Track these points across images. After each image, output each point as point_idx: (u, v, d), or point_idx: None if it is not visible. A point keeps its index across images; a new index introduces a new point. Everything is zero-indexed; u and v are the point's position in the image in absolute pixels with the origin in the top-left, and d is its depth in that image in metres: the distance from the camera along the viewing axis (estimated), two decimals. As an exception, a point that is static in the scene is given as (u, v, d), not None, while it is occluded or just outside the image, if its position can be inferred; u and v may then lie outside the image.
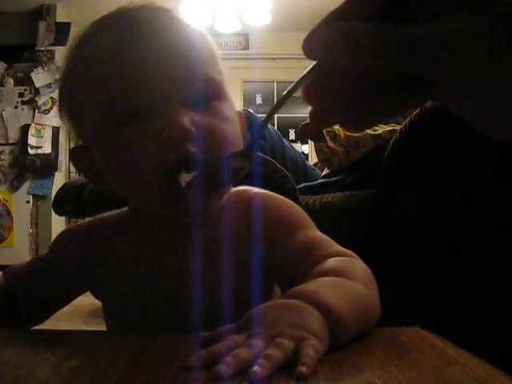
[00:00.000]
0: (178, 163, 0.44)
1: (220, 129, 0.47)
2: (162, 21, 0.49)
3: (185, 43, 0.48)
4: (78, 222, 0.64)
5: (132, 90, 0.46)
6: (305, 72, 0.30)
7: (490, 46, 0.23)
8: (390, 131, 1.38)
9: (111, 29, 0.49)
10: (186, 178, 0.44)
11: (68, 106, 0.53)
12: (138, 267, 0.54)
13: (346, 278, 0.42)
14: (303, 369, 0.29)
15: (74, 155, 0.56)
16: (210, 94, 0.49)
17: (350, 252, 0.48)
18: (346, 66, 0.27)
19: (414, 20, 0.25)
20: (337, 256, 0.47)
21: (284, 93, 0.32)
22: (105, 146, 0.49)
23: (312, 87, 0.30)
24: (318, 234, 0.52)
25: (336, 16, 0.28)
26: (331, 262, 0.45)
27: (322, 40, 0.27)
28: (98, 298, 0.58)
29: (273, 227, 0.51)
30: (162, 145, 0.44)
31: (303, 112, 5.19)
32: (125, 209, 0.59)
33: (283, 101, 0.33)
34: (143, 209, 0.54)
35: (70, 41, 0.53)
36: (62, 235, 0.61)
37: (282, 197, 0.55)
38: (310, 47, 0.28)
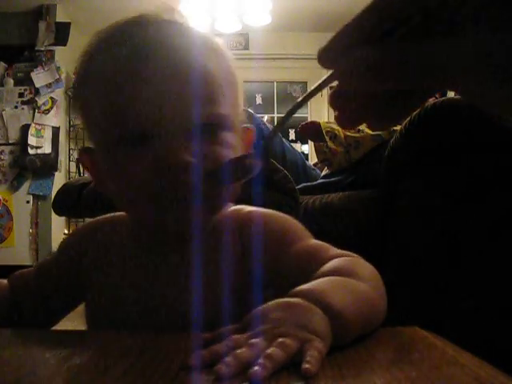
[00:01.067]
0: (182, 195, 0.46)
1: (224, 156, 0.47)
2: (177, 42, 0.48)
3: (201, 73, 0.48)
4: (81, 224, 0.64)
5: (139, 115, 0.46)
6: (319, 82, 0.33)
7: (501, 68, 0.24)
8: (389, 131, 1.38)
9: (124, 46, 0.48)
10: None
11: (81, 106, 0.54)
12: (133, 275, 0.54)
13: (350, 277, 0.42)
14: (309, 366, 0.29)
15: (82, 155, 0.56)
16: (219, 127, 0.49)
17: (351, 253, 0.48)
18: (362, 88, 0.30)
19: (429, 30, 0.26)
20: (340, 257, 0.47)
21: (298, 100, 0.34)
22: (108, 160, 0.50)
23: (335, 96, 0.33)
24: (316, 241, 0.52)
25: (356, 28, 0.29)
26: (334, 262, 0.45)
27: (339, 68, 0.30)
28: (94, 305, 0.57)
29: (270, 243, 0.51)
30: (160, 173, 0.45)
31: (303, 112, 5.19)
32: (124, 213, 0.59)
33: (297, 108, 0.35)
34: (139, 221, 0.55)
35: (91, 38, 0.52)
36: (66, 240, 0.62)
37: (276, 212, 0.54)
38: (326, 62, 0.31)
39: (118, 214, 0.60)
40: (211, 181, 0.46)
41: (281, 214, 0.54)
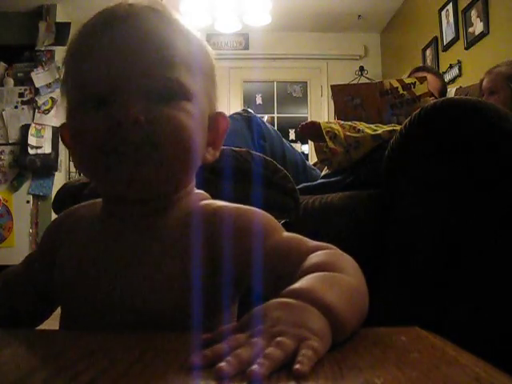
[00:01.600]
0: (128, 149, 0.47)
1: (178, 119, 0.49)
2: (144, 17, 0.51)
3: (161, 43, 0.50)
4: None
5: (99, 78, 0.49)
6: None
7: None
8: (389, 131, 1.37)
9: (93, 19, 0.52)
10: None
11: (61, 84, 0.57)
12: (93, 252, 0.54)
13: (336, 272, 0.42)
14: (299, 367, 0.29)
15: (60, 131, 0.58)
16: (177, 94, 0.50)
17: (328, 244, 0.48)
18: None
19: None
20: (318, 250, 0.46)
21: None
22: (71, 125, 0.53)
23: None
24: (290, 234, 0.52)
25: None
26: (317, 257, 0.45)
27: None
28: (56, 282, 0.56)
29: (239, 237, 0.50)
30: (109, 130, 0.47)
31: (303, 112, 5.19)
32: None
33: None
34: (97, 188, 0.56)
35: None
36: (47, 227, 0.63)
37: (249, 207, 0.54)
38: None
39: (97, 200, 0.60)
40: (170, 147, 0.48)
41: (254, 210, 0.54)
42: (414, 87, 1.57)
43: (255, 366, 0.28)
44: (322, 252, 0.46)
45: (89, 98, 0.49)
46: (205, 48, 0.57)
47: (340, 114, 1.82)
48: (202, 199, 0.56)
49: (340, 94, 1.79)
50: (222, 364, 0.29)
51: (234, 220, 0.51)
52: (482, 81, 1.79)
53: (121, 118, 0.46)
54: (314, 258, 0.45)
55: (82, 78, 0.50)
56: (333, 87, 1.83)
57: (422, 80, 1.59)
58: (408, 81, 1.60)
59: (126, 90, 0.48)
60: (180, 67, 0.50)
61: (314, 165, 2.04)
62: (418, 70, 1.93)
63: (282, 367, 0.30)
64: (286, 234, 0.52)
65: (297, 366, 0.29)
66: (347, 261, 0.45)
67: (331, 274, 0.41)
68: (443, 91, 1.93)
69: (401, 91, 1.59)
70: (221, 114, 0.57)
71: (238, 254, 0.49)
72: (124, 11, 0.50)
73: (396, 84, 1.60)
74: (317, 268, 0.42)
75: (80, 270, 0.53)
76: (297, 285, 0.39)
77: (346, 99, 1.75)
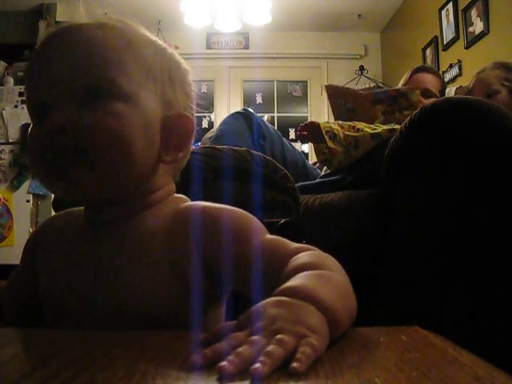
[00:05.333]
0: (56, 155, 0.49)
1: (104, 124, 0.49)
2: (84, 29, 0.53)
3: (95, 48, 0.51)
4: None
5: (37, 90, 0.52)
6: None
7: None
8: (389, 130, 1.38)
9: (43, 38, 0.54)
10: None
11: None
12: (65, 259, 0.55)
13: (322, 271, 0.42)
14: (296, 365, 0.29)
15: None
16: (108, 94, 0.50)
17: (310, 246, 0.48)
18: None
19: None
20: (300, 252, 0.47)
21: None
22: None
23: None
24: (273, 236, 0.52)
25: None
26: (302, 258, 0.45)
27: None
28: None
29: (206, 237, 0.50)
30: (46, 139, 0.49)
31: (303, 111, 5.19)
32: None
33: None
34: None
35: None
36: (27, 240, 0.64)
37: (225, 206, 0.54)
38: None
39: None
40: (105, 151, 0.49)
41: (236, 211, 0.54)
42: (406, 97, 1.60)
43: (257, 365, 0.29)
44: (306, 253, 0.46)
45: (32, 110, 0.53)
46: (162, 52, 0.57)
47: (335, 113, 1.83)
48: (181, 203, 0.56)
49: (334, 95, 1.80)
50: (224, 363, 0.29)
51: (213, 221, 0.51)
52: (470, 90, 1.77)
53: (49, 127, 0.49)
54: (300, 259, 0.45)
55: (27, 92, 0.55)
56: (327, 88, 1.84)
57: (413, 90, 1.61)
58: (401, 90, 1.64)
59: (58, 98, 0.50)
60: (115, 69, 0.51)
61: (314, 164, 2.04)
62: (417, 70, 1.93)
63: (283, 366, 0.30)
64: (268, 236, 0.52)
65: (294, 365, 0.29)
66: (331, 261, 0.46)
67: (321, 271, 0.42)
68: (443, 91, 1.93)
69: (392, 100, 1.62)
70: (184, 116, 0.57)
71: (202, 250, 0.50)
72: (66, 27, 0.53)
73: (388, 93, 1.63)
74: (305, 267, 0.42)
75: (61, 277, 0.54)
76: (290, 283, 0.39)
77: (339, 102, 1.76)
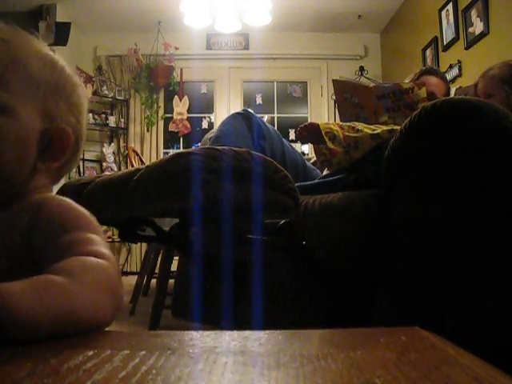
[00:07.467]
0: None
1: None
2: None
3: None
4: None
5: None
6: None
7: None
8: (389, 131, 1.38)
9: None
10: None
11: None
12: None
13: (65, 277, 0.42)
14: None
15: None
16: None
17: (105, 254, 0.49)
18: None
19: None
20: (88, 255, 0.47)
21: None
22: None
23: None
24: (87, 235, 0.53)
25: None
26: (65, 262, 0.46)
27: None
28: None
29: (46, 226, 0.53)
30: None
31: (303, 112, 5.19)
32: None
33: None
34: None
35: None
36: None
37: (65, 199, 0.57)
38: None
39: None
40: None
41: (69, 202, 0.56)
42: (412, 92, 1.58)
43: None
44: (76, 258, 0.47)
45: None
46: (50, 66, 0.59)
47: (340, 108, 1.82)
48: (41, 197, 0.58)
49: (340, 89, 1.79)
50: None
51: (47, 207, 0.54)
52: (476, 85, 1.79)
53: None
54: (63, 262, 0.46)
55: None
56: (334, 82, 1.83)
57: (421, 86, 1.60)
58: (406, 86, 1.61)
59: None
60: None
61: (314, 164, 2.04)
62: (426, 72, 1.93)
63: (283, 365, 0.30)
64: (87, 234, 0.53)
65: None
66: (92, 270, 0.46)
67: (51, 277, 0.42)
68: (448, 95, 1.93)
69: (398, 95, 1.60)
70: (61, 129, 0.60)
71: (43, 238, 0.52)
72: None
73: (394, 88, 1.62)
74: (54, 271, 0.43)
75: None
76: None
77: (346, 96, 1.75)
